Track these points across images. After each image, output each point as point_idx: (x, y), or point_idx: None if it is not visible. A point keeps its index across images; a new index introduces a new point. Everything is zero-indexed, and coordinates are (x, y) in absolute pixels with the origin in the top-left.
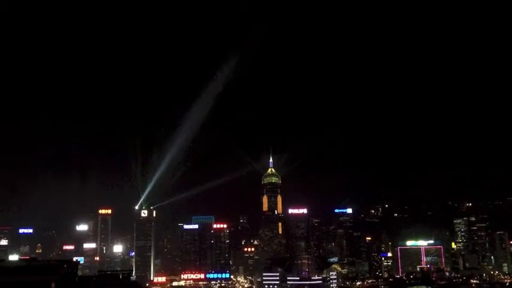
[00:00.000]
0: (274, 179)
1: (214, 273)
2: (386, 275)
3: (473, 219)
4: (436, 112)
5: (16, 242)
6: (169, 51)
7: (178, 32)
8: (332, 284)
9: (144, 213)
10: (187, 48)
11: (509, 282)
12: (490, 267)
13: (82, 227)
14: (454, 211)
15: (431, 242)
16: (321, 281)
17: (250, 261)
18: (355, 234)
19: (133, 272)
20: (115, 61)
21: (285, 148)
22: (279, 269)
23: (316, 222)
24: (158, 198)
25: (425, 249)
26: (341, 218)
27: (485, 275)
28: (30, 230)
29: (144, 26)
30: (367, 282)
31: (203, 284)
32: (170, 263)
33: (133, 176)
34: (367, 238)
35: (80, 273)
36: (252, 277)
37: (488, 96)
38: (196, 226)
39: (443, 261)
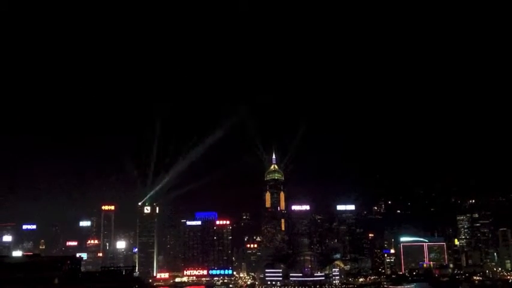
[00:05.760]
0: (277, 176)
1: (217, 269)
2: (389, 272)
3: (476, 216)
4: (440, 109)
5: (19, 238)
6: (173, 52)
7: (180, 35)
8: (335, 280)
9: (147, 209)
10: (190, 51)
11: None
12: (493, 264)
13: (85, 223)
14: (457, 208)
15: (434, 238)
16: (323, 278)
17: (252, 258)
18: (357, 230)
19: (136, 268)
20: (119, 60)
21: (288, 144)
22: (282, 266)
23: (319, 219)
24: (161, 195)
25: (428, 245)
26: (344, 215)
27: (488, 271)
28: (34, 226)
29: (156, 28)
30: (369, 278)
31: (206, 280)
32: (173, 259)
33: (138, 172)
34: (369, 235)
35: (83, 269)
36: (254, 273)
37: (490, 94)
38: (199, 222)
39: (446, 258)
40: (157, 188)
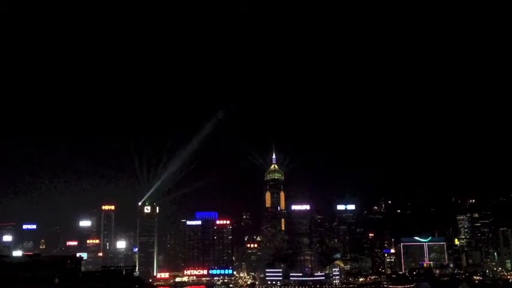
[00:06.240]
0: (277, 175)
1: (217, 269)
2: (389, 271)
3: (476, 215)
4: (440, 109)
5: (20, 238)
6: (174, 53)
7: (181, 34)
8: (335, 280)
9: (147, 209)
10: (190, 48)
11: None
12: (493, 263)
13: (85, 223)
14: (457, 207)
15: (435, 238)
16: (323, 277)
17: (253, 258)
18: (358, 230)
19: (137, 267)
20: (118, 60)
21: (288, 144)
22: (282, 265)
23: (319, 219)
24: (161, 194)
25: (428, 245)
26: (344, 214)
27: (488, 271)
28: (34, 226)
29: (155, 29)
30: (370, 278)
31: (206, 280)
32: (173, 259)
33: (138, 172)
34: (370, 234)
35: (83, 268)
36: (254, 273)
37: (490, 94)
38: (199, 222)
39: (446, 257)
40: (157, 187)
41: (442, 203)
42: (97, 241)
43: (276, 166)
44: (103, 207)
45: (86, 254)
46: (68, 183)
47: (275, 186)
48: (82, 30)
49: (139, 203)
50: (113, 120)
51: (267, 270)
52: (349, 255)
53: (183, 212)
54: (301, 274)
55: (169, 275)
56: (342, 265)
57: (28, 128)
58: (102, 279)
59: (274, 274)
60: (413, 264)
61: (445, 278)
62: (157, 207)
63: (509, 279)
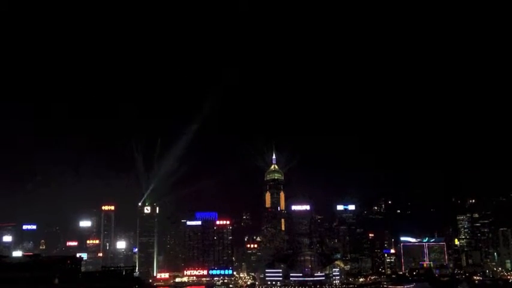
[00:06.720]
0: (277, 176)
1: (217, 269)
2: (389, 272)
3: (476, 215)
4: (441, 109)
5: (20, 238)
6: (174, 52)
7: (181, 34)
8: (335, 280)
9: (147, 209)
10: (190, 48)
11: None
12: (493, 263)
13: (85, 223)
14: (457, 208)
15: (434, 238)
16: (323, 278)
17: (253, 258)
18: (358, 230)
19: (137, 268)
20: (119, 59)
21: (288, 144)
22: (282, 266)
23: (319, 219)
24: (161, 194)
25: (428, 245)
26: (344, 215)
27: (488, 271)
28: (34, 227)
29: (153, 27)
30: (370, 278)
31: (206, 280)
32: (173, 259)
33: (138, 172)
34: (370, 235)
35: (83, 269)
36: (254, 273)
37: (491, 93)
38: (199, 222)
39: (446, 257)
40: (157, 187)
41: (442, 203)
42: (97, 241)
43: (276, 166)
44: (103, 207)
45: (86, 254)
46: (68, 183)
47: (275, 186)
48: (81, 31)
49: (140, 203)
50: (113, 120)
51: (267, 270)
52: (349, 256)
53: (183, 212)
54: (301, 274)
55: (169, 275)
56: (342, 265)
57: (28, 128)
58: (102, 280)
59: (274, 274)
60: (413, 264)
61: (445, 278)
62: (157, 207)
63: (509, 279)
